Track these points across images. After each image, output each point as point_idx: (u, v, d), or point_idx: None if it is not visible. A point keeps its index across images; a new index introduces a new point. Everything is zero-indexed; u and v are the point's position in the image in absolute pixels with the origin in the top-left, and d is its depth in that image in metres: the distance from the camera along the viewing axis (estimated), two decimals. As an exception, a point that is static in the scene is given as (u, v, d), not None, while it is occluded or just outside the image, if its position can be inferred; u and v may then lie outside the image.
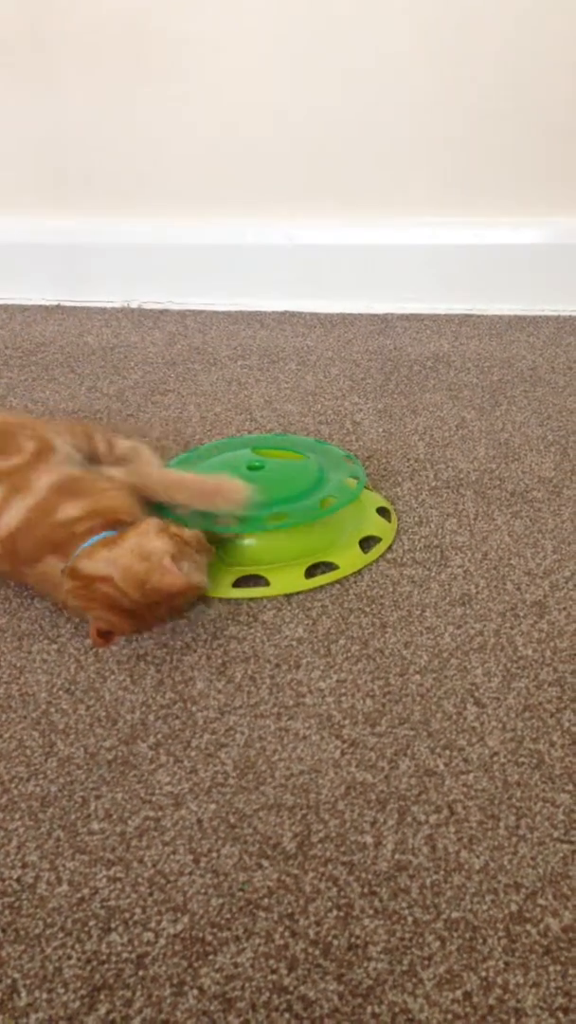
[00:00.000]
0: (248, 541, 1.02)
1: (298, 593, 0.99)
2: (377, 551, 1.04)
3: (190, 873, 0.70)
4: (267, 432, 1.32)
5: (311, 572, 1.01)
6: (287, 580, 1.00)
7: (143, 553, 0.89)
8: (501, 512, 1.11)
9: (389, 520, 1.10)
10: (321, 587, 1.00)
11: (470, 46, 1.58)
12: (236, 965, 0.64)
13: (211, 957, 0.65)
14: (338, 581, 1.00)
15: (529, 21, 1.55)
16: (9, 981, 0.64)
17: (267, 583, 1.00)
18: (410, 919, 0.66)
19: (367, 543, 1.06)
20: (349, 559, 1.03)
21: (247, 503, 1.00)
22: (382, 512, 1.11)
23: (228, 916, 0.67)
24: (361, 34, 1.60)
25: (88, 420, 1.37)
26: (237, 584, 1.01)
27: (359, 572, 1.01)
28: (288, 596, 0.98)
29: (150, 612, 0.90)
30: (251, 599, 0.99)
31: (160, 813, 0.75)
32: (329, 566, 1.02)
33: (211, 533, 0.98)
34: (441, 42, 1.59)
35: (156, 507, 1.01)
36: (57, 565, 0.93)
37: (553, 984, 0.62)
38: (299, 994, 0.62)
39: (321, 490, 1.04)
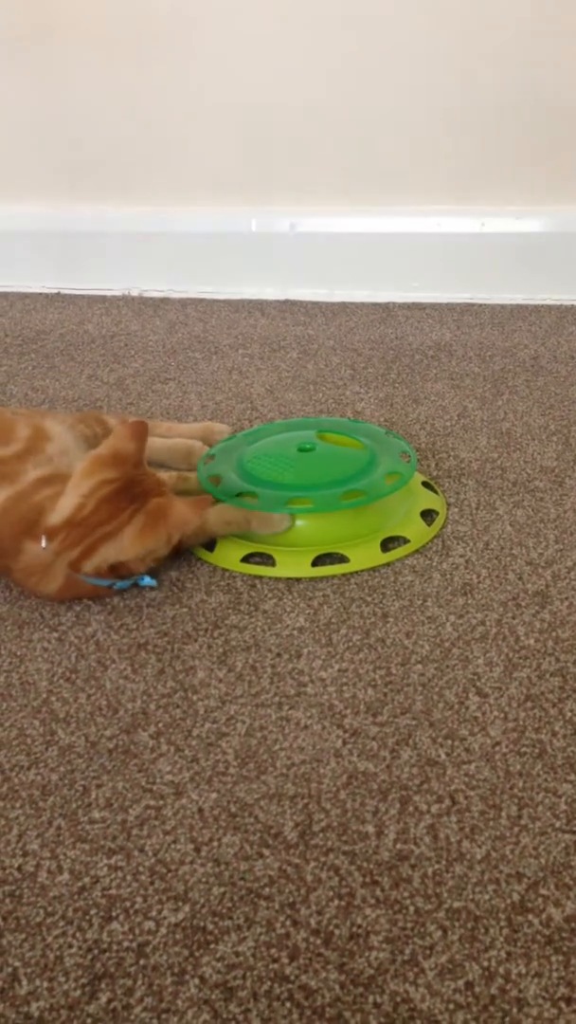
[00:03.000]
0: (309, 521, 1.03)
1: (300, 580, 0.99)
2: (402, 550, 1.03)
3: (191, 862, 0.70)
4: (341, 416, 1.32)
5: (322, 561, 1.01)
6: (294, 565, 1.00)
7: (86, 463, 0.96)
8: (503, 502, 1.10)
9: (437, 493, 1.11)
10: (324, 577, 0.99)
11: (475, 35, 1.57)
12: (237, 954, 0.64)
13: (212, 946, 0.64)
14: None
15: (536, 10, 1.54)
16: (10, 970, 0.64)
17: (274, 563, 1.00)
18: (412, 909, 0.66)
19: (427, 516, 1.07)
20: (416, 535, 1.04)
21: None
22: (427, 486, 1.12)
23: (229, 905, 0.67)
24: (367, 23, 1.59)
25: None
26: (245, 560, 1.01)
27: (357, 562, 1.01)
28: (289, 585, 0.98)
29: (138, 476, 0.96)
30: (255, 576, 1.00)
31: (161, 802, 0.75)
32: (342, 557, 1.01)
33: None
34: (446, 32, 1.58)
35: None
36: (35, 549, 0.93)
37: (555, 974, 0.62)
38: (300, 983, 0.62)
39: (374, 472, 1.04)
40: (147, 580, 0.98)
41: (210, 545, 1.04)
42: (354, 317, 1.66)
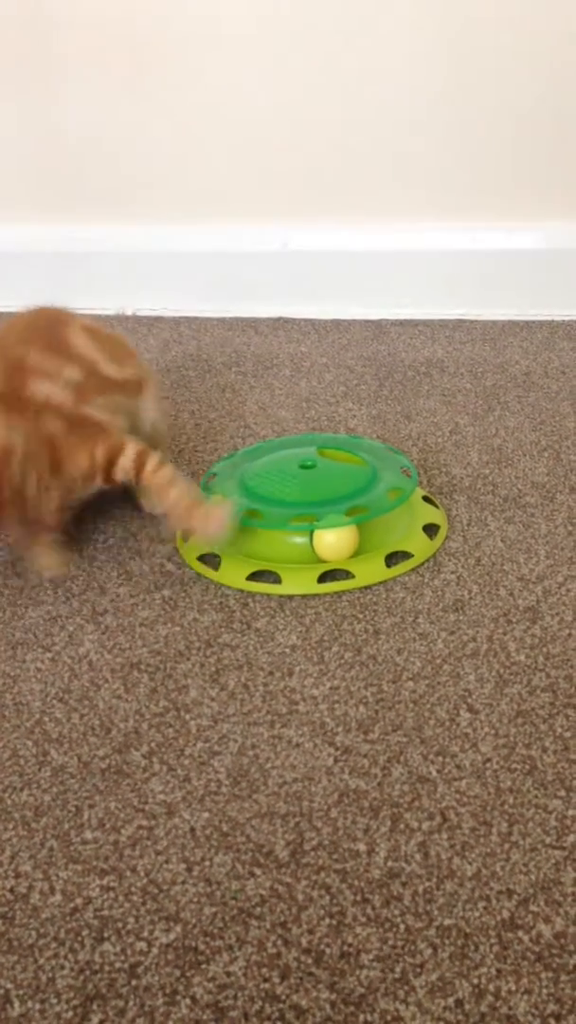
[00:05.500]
0: (327, 537, 1.02)
1: (292, 597, 0.99)
2: (406, 565, 1.03)
3: (183, 882, 0.70)
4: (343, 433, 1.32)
5: (326, 578, 1.01)
6: (300, 582, 1.00)
7: None
8: (494, 517, 1.11)
9: (437, 508, 1.12)
10: (316, 594, 1.00)
11: (467, 52, 1.59)
12: (229, 974, 0.64)
13: (204, 966, 0.65)
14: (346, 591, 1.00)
15: (526, 27, 1.55)
16: (2, 991, 0.64)
17: (280, 581, 1.01)
18: (402, 926, 0.66)
19: (430, 530, 1.07)
20: (419, 550, 1.05)
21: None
22: (428, 501, 1.13)
23: (221, 925, 0.67)
24: (359, 40, 1.61)
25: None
26: (251, 578, 1.02)
27: (362, 578, 1.01)
28: (282, 603, 0.99)
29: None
30: (250, 594, 1.00)
31: (153, 822, 0.75)
32: (347, 573, 1.01)
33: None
34: (438, 48, 1.59)
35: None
36: None
37: (545, 991, 0.62)
38: (291, 1003, 0.62)
39: (376, 488, 1.05)
40: None
41: (215, 564, 1.04)
42: (346, 334, 1.67)
